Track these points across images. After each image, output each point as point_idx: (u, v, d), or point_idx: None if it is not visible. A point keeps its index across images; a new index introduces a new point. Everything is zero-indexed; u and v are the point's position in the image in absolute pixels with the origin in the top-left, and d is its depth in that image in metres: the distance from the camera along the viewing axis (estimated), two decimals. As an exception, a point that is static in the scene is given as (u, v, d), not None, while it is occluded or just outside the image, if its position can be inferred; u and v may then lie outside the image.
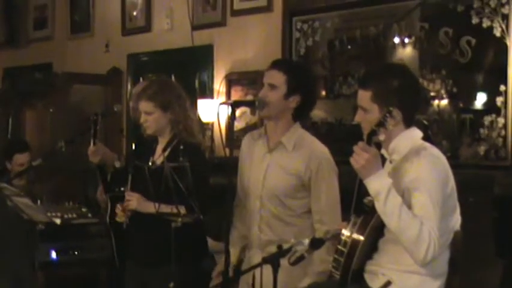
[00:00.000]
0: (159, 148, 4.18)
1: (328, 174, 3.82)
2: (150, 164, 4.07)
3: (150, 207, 4.00)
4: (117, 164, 4.23)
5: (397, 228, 3.12)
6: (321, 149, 3.90)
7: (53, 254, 5.49)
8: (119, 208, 4.13)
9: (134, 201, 4.06)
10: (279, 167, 3.87)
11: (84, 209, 5.83)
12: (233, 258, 4.02)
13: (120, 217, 4.12)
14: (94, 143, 4.24)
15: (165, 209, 3.91)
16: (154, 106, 4.10)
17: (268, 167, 3.90)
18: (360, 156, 3.13)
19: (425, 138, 3.37)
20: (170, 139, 4.13)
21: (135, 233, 4.15)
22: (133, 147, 4.31)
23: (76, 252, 5.59)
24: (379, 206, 3.13)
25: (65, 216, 5.64)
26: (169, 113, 4.11)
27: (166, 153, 4.08)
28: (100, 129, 4.29)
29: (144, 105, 4.14)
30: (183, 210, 3.86)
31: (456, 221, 3.29)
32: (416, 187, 3.14)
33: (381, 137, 3.17)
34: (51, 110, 8.19)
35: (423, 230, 3.06)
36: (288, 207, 3.86)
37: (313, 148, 3.87)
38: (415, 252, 3.10)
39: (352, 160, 3.16)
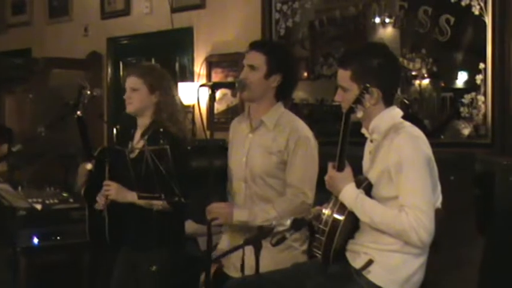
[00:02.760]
0: (138, 133, 4.16)
1: (304, 150, 3.81)
2: (129, 149, 4.05)
3: (128, 196, 3.99)
4: (89, 167, 4.19)
5: (383, 229, 3.20)
6: (301, 127, 3.89)
7: (35, 240, 5.46)
8: (99, 197, 4.10)
9: (113, 190, 4.03)
10: (260, 147, 3.87)
11: (65, 194, 5.81)
12: (224, 245, 4.03)
13: (100, 205, 4.10)
14: (78, 115, 4.21)
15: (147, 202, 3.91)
16: (142, 83, 4.08)
17: (250, 148, 3.90)
18: (327, 176, 3.30)
19: (406, 117, 3.38)
20: (150, 124, 4.11)
21: (117, 218, 4.12)
22: (115, 132, 4.26)
23: (58, 238, 5.56)
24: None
25: (46, 201, 5.61)
26: (155, 96, 4.08)
27: (146, 138, 4.06)
28: (86, 102, 4.26)
29: (133, 81, 4.11)
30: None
31: (437, 198, 3.30)
32: (399, 169, 3.16)
33: (359, 114, 3.20)
34: (30, 96, 8.14)
35: (404, 222, 3.11)
36: (272, 187, 3.86)
37: (293, 126, 3.87)
38: (409, 242, 3.16)
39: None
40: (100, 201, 4.09)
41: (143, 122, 4.14)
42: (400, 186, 3.16)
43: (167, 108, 4.10)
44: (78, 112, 4.22)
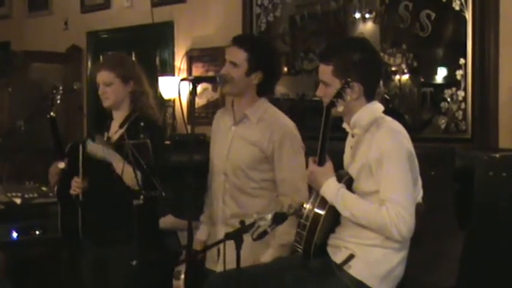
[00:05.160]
0: (115, 124, 4.14)
1: (290, 146, 3.81)
2: (105, 140, 4.05)
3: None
4: (61, 165, 4.17)
5: (364, 224, 3.20)
6: (285, 122, 3.90)
7: (14, 234, 5.43)
8: (75, 181, 4.08)
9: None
10: (242, 139, 3.87)
11: (44, 188, 5.77)
12: (202, 236, 4.03)
13: (75, 190, 4.08)
14: (51, 115, 4.19)
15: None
16: (115, 77, 4.07)
17: (233, 140, 3.90)
18: (308, 171, 3.31)
19: (387, 112, 3.38)
20: (129, 114, 4.10)
21: (92, 211, 4.12)
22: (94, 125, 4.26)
23: (37, 232, 5.53)
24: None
25: (26, 195, 5.58)
26: (129, 85, 4.08)
27: (124, 129, 4.05)
28: (58, 103, 4.25)
29: (104, 75, 4.10)
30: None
31: (418, 193, 3.31)
32: (379, 164, 3.17)
33: (340, 109, 3.19)
34: (9, 89, 8.11)
35: (384, 216, 3.11)
36: (252, 179, 3.86)
37: (276, 121, 3.87)
38: (390, 237, 3.17)
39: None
40: (75, 185, 4.06)
41: (121, 112, 4.13)
42: (381, 180, 3.17)
43: (143, 95, 4.10)
44: (52, 113, 4.21)
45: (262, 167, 3.85)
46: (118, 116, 4.15)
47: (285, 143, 3.81)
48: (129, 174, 3.84)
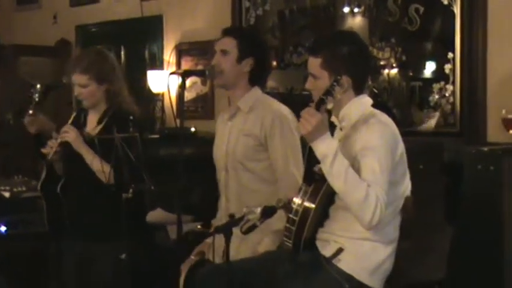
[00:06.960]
0: (93, 119, 4.12)
1: (280, 130, 3.78)
2: (84, 135, 4.04)
3: (83, 148, 3.98)
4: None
5: (343, 191, 3.10)
6: (276, 107, 3.88)
7: (2, 228, 5.42)
8: (52, 141, 4.07)
9: (72, 134, 4.01)
10: (237, 131, 3.87)
11: (33, 182, 5.76)
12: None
13: (49, 149, 4.05)
14: (29, 112, 4.19)
15: (96, 164, 3.90)
16: (89, 78, 4.03)
17: (230, 135, 3.90)
18: (307, 122, 3.11)
19: (375, 105, 3.38)
20: (105, 110, 4.08)
21: (78, 205, 4.12)
22: (72, 118, 4.23)
23: (26, 226, 5.52)
24: (325, 169, 3.11)
25: (14, 189, 5.57)
26: (105, 85, 4.05)
27: (103, 124, 4.04)
28: (39, 100, 4.23)
29: (78, 78, 4.05)
30: (106, 168, 3.85)
31: (406, 186, 3.31)
32: (365, 154, 3.14)
33: (329, 106, 3.18)
34: (-2, 83, 8.09)
35: (370, 193, 3.05)
36: (252, 172, 3.85)
37: (267, 107, 3.86)
38: (361, 215, 3.08)
39: (299, 125, 3.15)
40: (50, 144, 4.05)
41: (98, 109, 4.12)
42: (362, 169, 3.14)
43: (118, 92, 4.08)
44: (30, 111, 4.20)
45: (259, 156, 3.83)
46: (95, 112, 4.13)
47: (275, 126, 3.78)
48: (97, 166, 3.89)
